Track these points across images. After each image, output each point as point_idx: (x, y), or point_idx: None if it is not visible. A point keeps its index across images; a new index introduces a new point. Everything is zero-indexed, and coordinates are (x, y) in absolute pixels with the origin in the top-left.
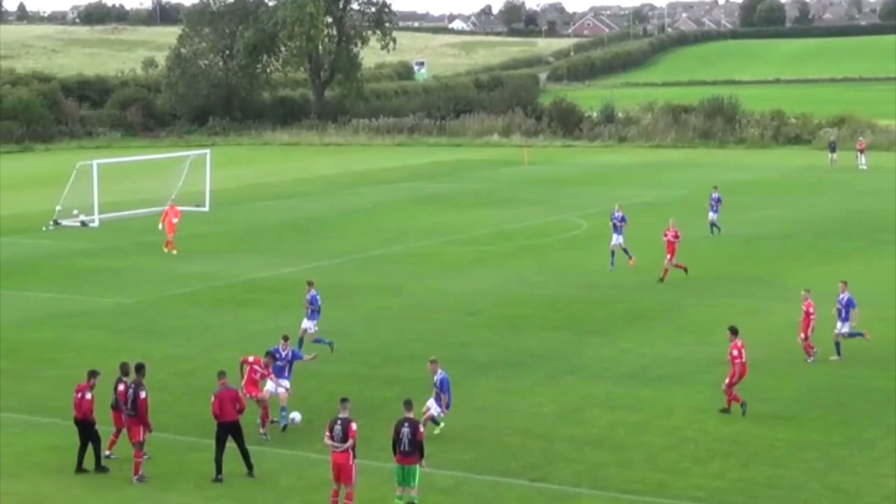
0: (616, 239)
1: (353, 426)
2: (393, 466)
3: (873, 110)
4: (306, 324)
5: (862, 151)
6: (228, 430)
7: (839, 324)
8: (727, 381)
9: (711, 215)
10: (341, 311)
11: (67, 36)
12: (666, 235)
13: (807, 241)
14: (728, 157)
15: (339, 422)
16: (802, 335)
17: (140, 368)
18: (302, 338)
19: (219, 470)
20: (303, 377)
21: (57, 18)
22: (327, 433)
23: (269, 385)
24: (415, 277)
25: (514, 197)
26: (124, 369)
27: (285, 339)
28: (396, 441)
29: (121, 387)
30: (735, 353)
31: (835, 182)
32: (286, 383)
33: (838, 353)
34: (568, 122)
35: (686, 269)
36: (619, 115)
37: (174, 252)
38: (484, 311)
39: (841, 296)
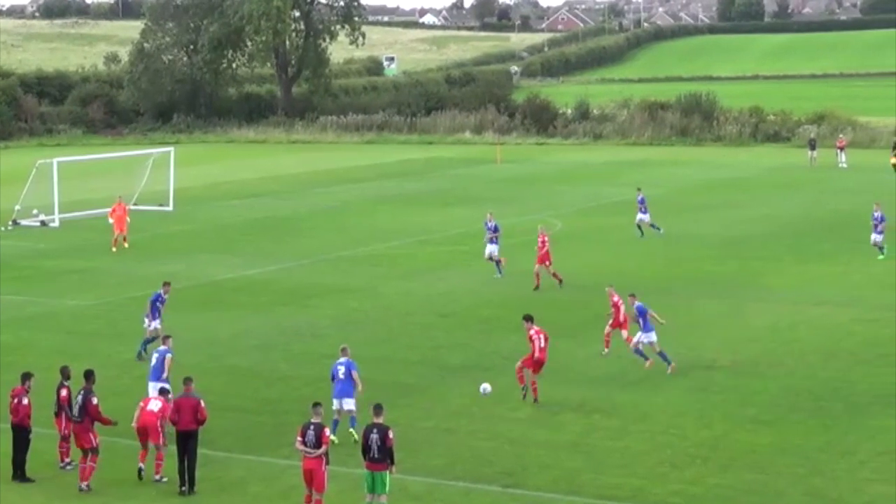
0: (490, 249)
1: (327, 432)
2: (362, 472)
3: (854, 107)
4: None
5: (842, 149)
6: (185, 438)
7: (639, 333)
8: (520, 363)
9: (640, 216)
10: (309, 314)
11: (26, 30)
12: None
13: (786, 242)
14: (705, 154)
15: (311, 427)
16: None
17: (89, 375)
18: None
19: (182, 481)
20: (271, 380)
21: (16, 12)
22: (299, 438)
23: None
24: (385, 279)
25: (487, 196)
26: (65, 373)
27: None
28: (365, 447)
29: (63, 392)
30: (532, 334)
31: (814, 181)
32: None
33: (645, 357)
34: (542, 120)
35: (561, 281)
36: (594, 111)
37: (125, 245)
38: (456, 313)
39: (636, 305)
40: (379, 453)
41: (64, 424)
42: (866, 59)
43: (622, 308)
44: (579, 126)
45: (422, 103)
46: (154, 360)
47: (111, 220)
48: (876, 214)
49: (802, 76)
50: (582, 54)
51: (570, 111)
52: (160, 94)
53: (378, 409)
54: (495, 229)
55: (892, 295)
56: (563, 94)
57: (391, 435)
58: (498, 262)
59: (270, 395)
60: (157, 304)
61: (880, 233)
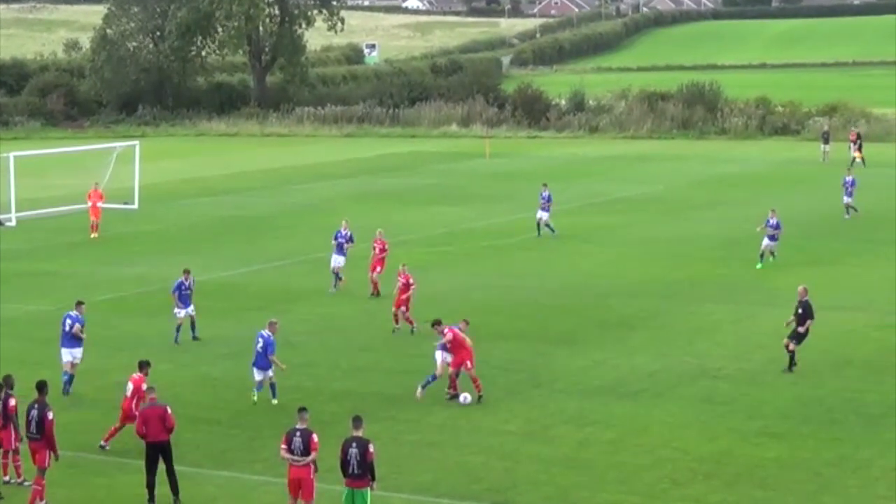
0: (336, 261)
1: (315, 437)
2: (342, 489)
3: (868, 97)
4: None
5: (856, 142)
6: (157, 451)
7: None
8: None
9: (541, 214)
10: (284, 319)
11: None
12: (374, 249)
13: (796, 242)
14: (709, 148)
15: (297, 433)
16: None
17: (42, 387)
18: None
19: (151, 497)
20: (243, 389)
21: None
22: (284, 446)
23: None
24: (365, 282)
25: (475, 193)
26: (8, 382)
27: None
28: (344, 462)
29: (11, 402)
30: (449, 336)
31: (826, 176)
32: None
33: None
34: (534, 111)
35: (379, 293)
36: (590, 102)
37: (94, 235)
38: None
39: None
40: (359, 469)
41: (14, 437)
42: (881, 46)
43: (413, 288)
44: (574, 118)
45: (405, 94)
46: (66, 327)
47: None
48: (771, 221)
49: (813, 64)
50: (577, 41)
51: (563, 102)
52: (124, 84)
53: (357, 421)
54: (350, 239)
55: None
56: (557, 83)
57: (372, 449)
58: (338, 276)
59: (243, 406)
60: (182, 291)
61: (773, 239)
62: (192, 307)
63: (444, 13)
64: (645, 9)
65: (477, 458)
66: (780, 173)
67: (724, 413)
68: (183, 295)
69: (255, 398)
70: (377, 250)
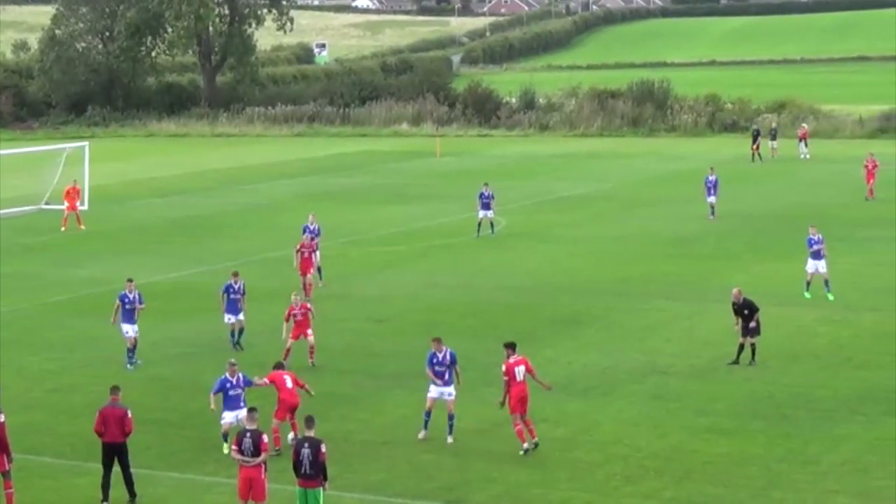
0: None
1: (265, 438)
2: (294, 490)
3: (816, 94)
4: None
5: (804, 139)
6: (113, 451)
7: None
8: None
9: (483, 213)
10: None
11: None
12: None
13: (745, 238)
14: (659, 145)
15: (248, 434)
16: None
17: None
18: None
19: (105, 496)
20: (195, 391)
21: None
22: (235, 447)
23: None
24: (318, 282)
25: (426, 192)
26: None
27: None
28: (297, 463)
29: None
30: (504, 369)
31: (775, 173)
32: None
33: None
34: (484, 110)
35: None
36: (540, 101)
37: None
38: (393, 318)
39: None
40: (311, 469)
41: None
42: (829, 43)
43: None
44: (524, 116)
45: (355, 93)
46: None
47: (66, 203)
48: (710, 178)
49: (761, 62)
50: (526, 39)
51: (514, 100)
52: (73, 85)
53: (310, 421)
54: (317, 232)
55: (855, 294)
56: (507, 82)
57: (324, 449)
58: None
59: (194, 407)
60: (230, 295)
61: (713, 196)
62: (242, 313)
63: (394, 12)
64: (595, 7)
65: (429, 456)
66: (730, 170)
67: (675, 410)
68: (230, 301)
69: (226, 449)
70: (307, 253)
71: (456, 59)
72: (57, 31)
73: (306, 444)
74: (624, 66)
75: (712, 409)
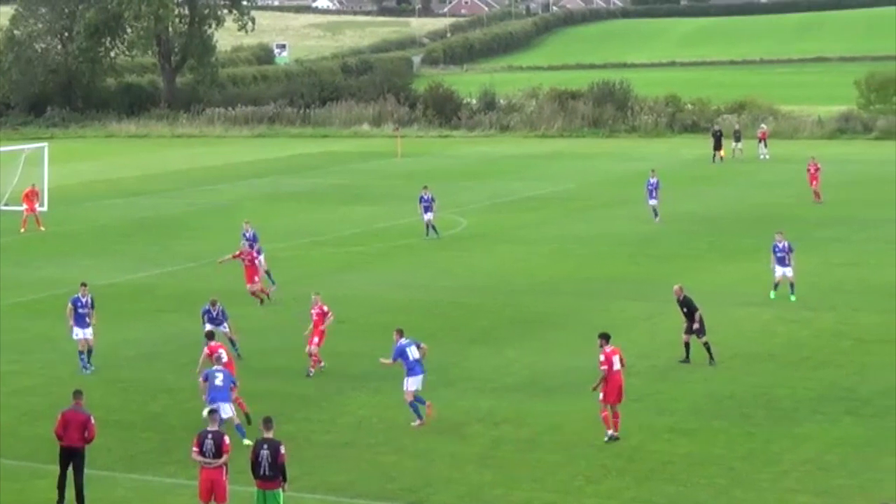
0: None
1: (227, 439)
2: (254, 491)
3: (775, 95)
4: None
5: (763, 140)
6: (70, 455)
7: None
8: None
9: (427, 216)
10: (196, 322)
11: None
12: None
13: (706, 239)
14: (620, 146)
15: (209, 435)
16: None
17: None
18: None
19: (61, 497)
20: (156, 392)
21: None
22: (195, 449)
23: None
24: (278, 283)
25: (387, 192)
26: None
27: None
28: (255, 464)
29: None
30: (602, 359)
31: (735, 174)
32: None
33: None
34: (445, 110)
35: (262, 301)
36: (501, 101)
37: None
38: (354, 319)
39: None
40: (270, 470)
41: None
42: (788, 44)
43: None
44: (485, 117)
45: (316, 94)
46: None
47: (24, 205)
48: (651, 181)
49: (721, 63)
50: (487, 40)
51: (474, 101)
52: (32, 86)
53: (268, 422)
54: (255, 238)
55: (813, 294)
56: (468, 82)
57: (283, 450)
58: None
59: (155, 408)
60: (79, 308)
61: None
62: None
63: (355, 13)
64: (555, 8)
65: (390, 457)
66: (690, 171)
67: (636, 410)
68: (79, 314)
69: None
70: (248, 261)
71: (416, 59)
72: (15, 32)
73: (265, 446)
74: (584, 67)
75: (673, 409)
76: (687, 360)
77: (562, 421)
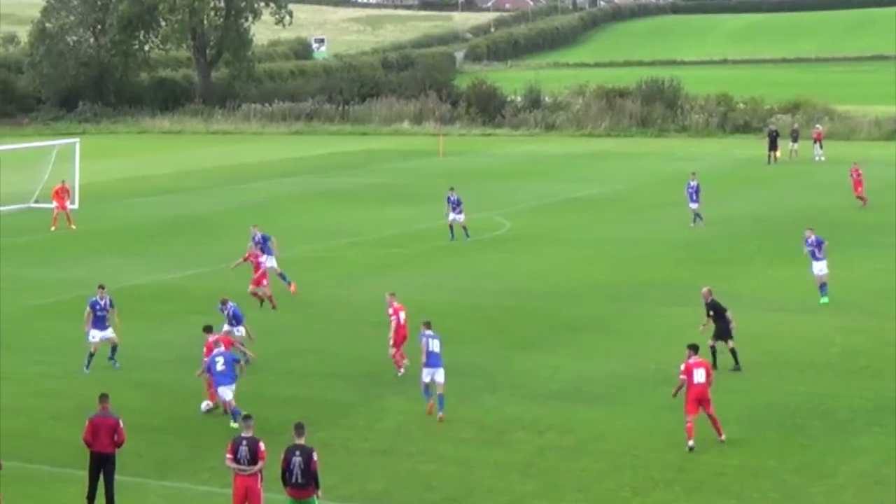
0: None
1: (262, 445)
2: (285, 499)
3: (831, 94)
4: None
5: (818, 140)
6: (101, 462)
7: None
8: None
9: (453, 217)
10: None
11: None
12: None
13: (758, 242)
14: (669, 146)
15: (243, 442)
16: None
17: None
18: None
19: None
20: (185, 396)
21: None
22: (230, 455)
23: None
24: (315, 285)
25: (428, 192)
26: None
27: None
28: (287, 472)
29: None
30: (683, 368)
31: (788, 175)
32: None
33: None
34: (488, 108)
35: (274, 306)
36: (546, 99)
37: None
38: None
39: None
40: (303, 478)
41: None
42: (843, 41)
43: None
44: (530, 115)
45: (355, 90)
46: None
47: (55, 202)
48: (692, 184)
49: (774, 60)
50: (532, 36)
51: (519, 99)
52: (64, 80)
53: (300, 428)
54: (264, 241)
55: (871, 300)
56: (512, 79)
57: (315, 457)
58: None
59: (187, 412)
60: (97, 311)
61: (695, 201)
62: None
63: (396, 6)
64: (602, 3)
65: (430, 465)
66: (742, 172)
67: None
68: (98, 316)
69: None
70: (256, 264)
71: (459, 55)
72: (47, 24)
73: (297, 452)
74: (632, 64)
75: (725, 419)
76: (714, 366)
77: (607, 429)
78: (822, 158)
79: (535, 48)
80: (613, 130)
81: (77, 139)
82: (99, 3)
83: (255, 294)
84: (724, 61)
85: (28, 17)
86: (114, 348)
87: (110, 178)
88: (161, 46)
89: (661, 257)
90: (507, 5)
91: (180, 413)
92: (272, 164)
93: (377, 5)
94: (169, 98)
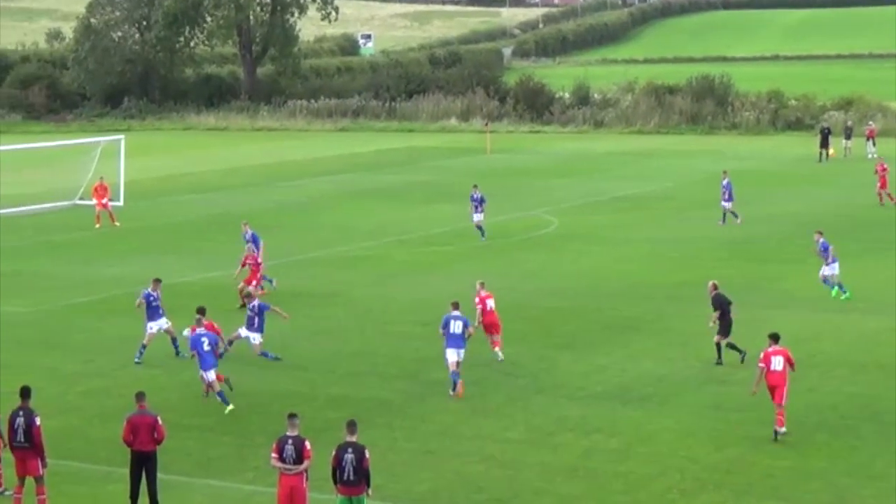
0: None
1: (308, 445)
2: (336, 499)
3: (884, 91)
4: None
5: (871, 138)
6: (142, 460)
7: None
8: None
9: (477, 217)
10: (277, 322)
11: None
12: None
13: (808, 242)
14: (719, 144)
15: (289, 441)
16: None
17: (26, 393)
18: (232, 341)
19: None
20: (233, 396)
21: None
22: (275, 455)
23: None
24: (360, 283)
25: None
26: None
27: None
28: (338, 469)
29: None
30: (761, 356)
31: (840, 173)
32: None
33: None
34: (536, 105)
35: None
36: (595, 96)
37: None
38: (439, 321)
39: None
40: (354, 475)
41: None
42: None
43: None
44: (578, 112)
45: (402, 86)
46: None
47: (94, 200)
48: (724, 183)
49: (828, 56)
50: (581, 32)
51: (567, 95)
52: (109, 76)
53: (352, 426)
54: (254, 239)
55: None
56: (560, 76)
57: (367, 455)
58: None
59: (234, 411)
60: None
61: (728, 200)
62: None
63: (443, 2)
64: None
65: (477, 466)
66: (793, 170)
67: (735, 420)
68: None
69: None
70: (254, 264)
71: (507, 51)
72: (92, 20)
73: (350, 450)
74: (682, 61)
75: (773, 420)
76: (720, 361)
77: (655, 431)
78: (875, 156)
79: (584, 44)
80: (663, 128)
81: (122, 136)
82: None
83: (241, 292)
84: (776, 57)
85: (73, 12)
86: (173, 340)
87: (155, 175)
88: (206, 42)
89: (708, 257)
90: (556, 1)
91: (226, 412)
92: (317, 162)
93: (425, 1)
94: (214, 94)
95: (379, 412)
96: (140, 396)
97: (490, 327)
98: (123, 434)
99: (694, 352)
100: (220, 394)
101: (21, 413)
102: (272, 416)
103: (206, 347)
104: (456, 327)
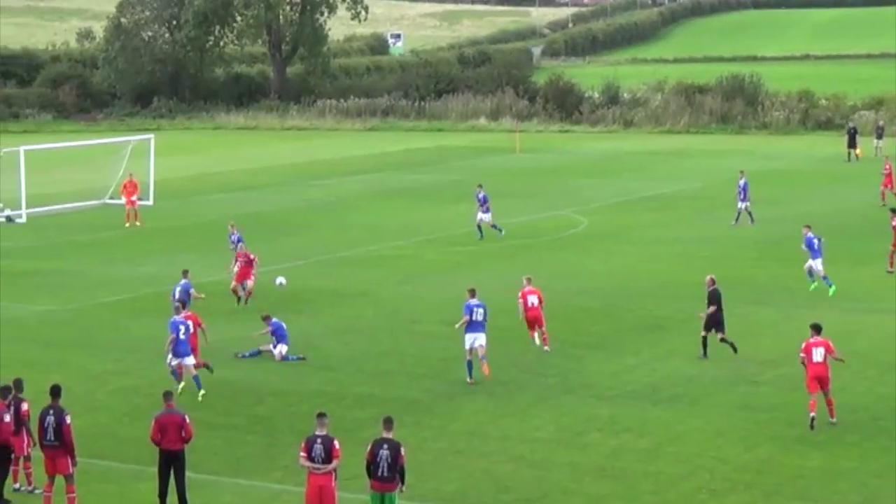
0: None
1: (337, 444)
2: (367, 496)
3: None
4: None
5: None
6: (170, 459)
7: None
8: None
9: (481, 216)
10: (305, 321)
11: None
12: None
13: (839, 242)
14: (749, 143)
15: (318, 440)
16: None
17: (56, 392)
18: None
19: None
20: (262, 395)
21: None
22: (304, 454)
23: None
24: (389, 283)
25: (504, 190)
26: (19, 386)
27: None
28: (373, 465)
29: (24, 406)
30: (803, 347)
31: (869, 173)
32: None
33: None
34: (566, 104)
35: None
36: (625, 95)
37: (137, 224)
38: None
39: None
40: (389, 472)
41: (27, 443)
42: None
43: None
44: (608, 112)
45: (431, 86)
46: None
47: (123, 198)
48: (741, 182)
49: (858, 56)
50: (610, 31)
51: (597, 95)
52: (139, 75)
53: (388, 422)
54: (240, 241)
55: None
56: (590, 75)
57: (403, 452)
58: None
59: (261, 411)
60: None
61: (744, 200)
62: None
63: (473, 2)
64: None
65: (506, 466)
66: (823, 169)
67: (765, 420)
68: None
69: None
70: (245, 262)
71: (536, 51)
72: (122, 20)
73: (385, 446)
74: (712, 60)
75: (804, 421)
76: (705, 355)
77: (684, 431)
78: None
79: (614, 44)
80: (693, 127)
81: (151, 135)
82: None
83: (234, 291)
84: (806, 57)
85: (103, 12)
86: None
87: (184, 174)
88: (236, 42)
89: (738, 256)
90: (586, 1)
91: (255, 412)
92: (347, 161)
93: (454, 0)
94: (244, 94)
95: (407, 411)
96: (168, 395)
97: (533, 321)
98: (151, 433)
99: (723, 352)
100: (195, 377)
101: (51, 412)
102: (300, 415)
103: (181, 335)
104: (477, 315)
